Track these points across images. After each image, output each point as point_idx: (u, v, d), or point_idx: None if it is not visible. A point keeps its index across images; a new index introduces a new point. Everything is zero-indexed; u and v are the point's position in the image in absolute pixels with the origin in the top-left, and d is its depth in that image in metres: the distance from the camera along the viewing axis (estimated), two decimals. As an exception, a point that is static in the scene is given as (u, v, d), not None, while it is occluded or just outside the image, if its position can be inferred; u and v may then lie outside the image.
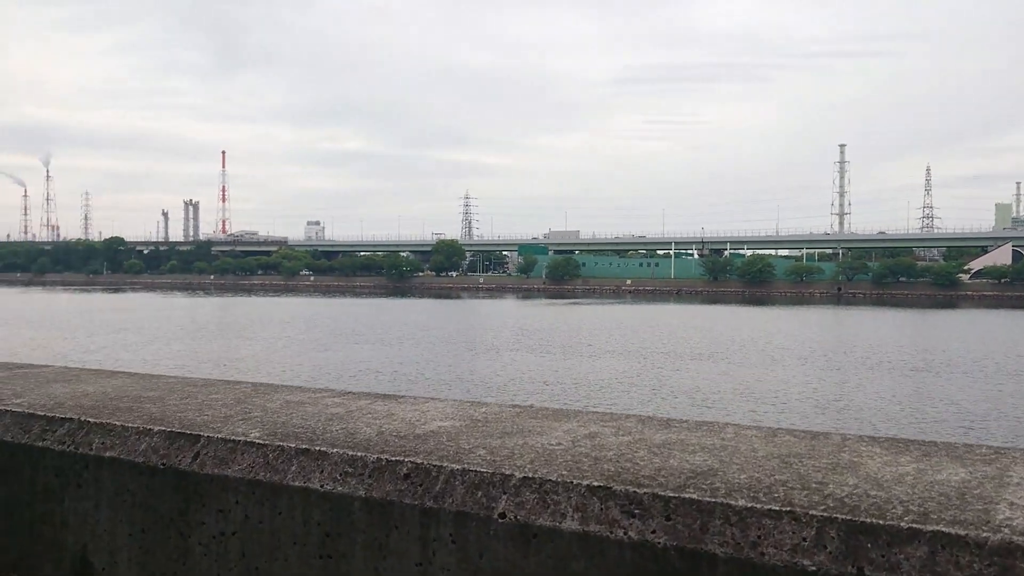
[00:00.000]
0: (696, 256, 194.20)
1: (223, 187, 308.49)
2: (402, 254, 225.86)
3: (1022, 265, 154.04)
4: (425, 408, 2.60)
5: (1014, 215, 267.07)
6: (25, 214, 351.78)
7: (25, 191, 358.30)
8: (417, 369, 38.12)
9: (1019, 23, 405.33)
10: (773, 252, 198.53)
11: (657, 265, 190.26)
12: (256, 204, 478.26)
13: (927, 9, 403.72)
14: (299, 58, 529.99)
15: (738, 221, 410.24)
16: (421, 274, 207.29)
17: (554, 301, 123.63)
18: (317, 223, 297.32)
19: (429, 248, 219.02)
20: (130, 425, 2.33)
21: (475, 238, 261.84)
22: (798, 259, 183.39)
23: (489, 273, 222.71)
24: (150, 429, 2.31)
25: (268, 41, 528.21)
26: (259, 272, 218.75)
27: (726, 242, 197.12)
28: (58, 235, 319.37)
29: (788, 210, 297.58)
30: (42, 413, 2.44)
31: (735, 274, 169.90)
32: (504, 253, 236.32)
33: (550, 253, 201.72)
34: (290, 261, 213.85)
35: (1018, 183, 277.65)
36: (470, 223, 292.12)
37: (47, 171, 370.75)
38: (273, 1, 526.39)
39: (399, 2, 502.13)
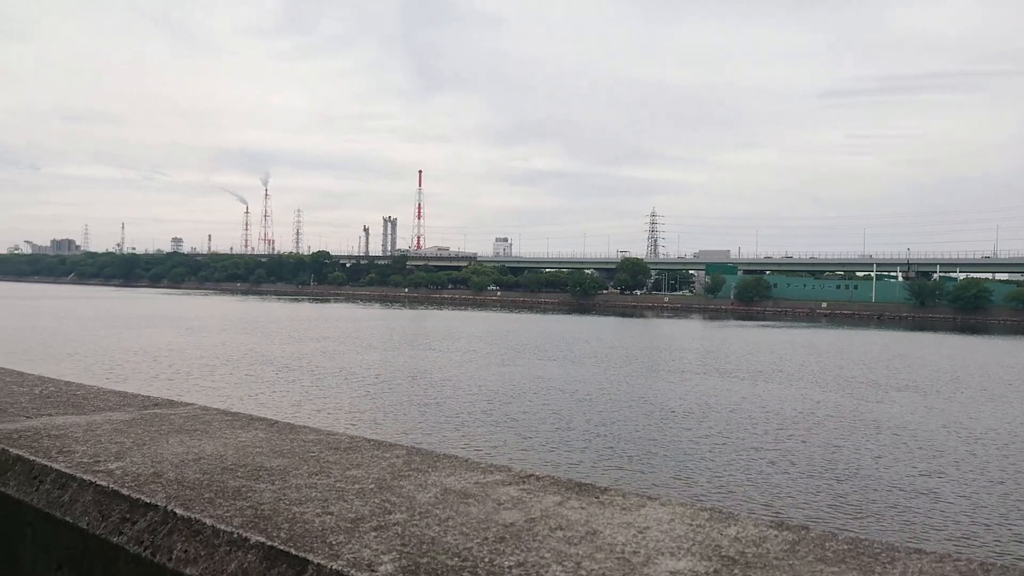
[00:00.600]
0: (901, 279, 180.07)
1: (419, 205, 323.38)
2: (587, 271, 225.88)
3: None
4: (642, 522, 1.66)
5: None
6: (246, 229, 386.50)
7: (247, 208, 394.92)
8: (600, 389, 37.28)
9: None
10: (990, 276, 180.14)
11: (856, 288, 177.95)
12: (448, 221, 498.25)
13: None
14: (492, 79, 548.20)
15: (948, 242, 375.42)
16: (605, 291, 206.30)
17: (743, 324, 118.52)
18: (505, 239, 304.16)
19: (614, 265, 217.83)
20: (223, 529, 1.61)
21: (660, 256, 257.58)
22: (1020, 283, 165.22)
23: (674, 292, 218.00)
24: (247, 540, 1.58)
25: (463, 63, 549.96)
26: (449, 286, 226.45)
27: (935, 264, 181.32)
28: (273, 248, 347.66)
29: (1008, 230, 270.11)
30: (127, 492, 1.77)
31: (945, 299, 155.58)
32: (690, 272, 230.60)
33: (739, 272, 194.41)
34: (478, 276, 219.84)
35: None
36: (656, 241, 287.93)
37: (266, 190, 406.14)
38: (466, 22, 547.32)
39: (589, 21, 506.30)
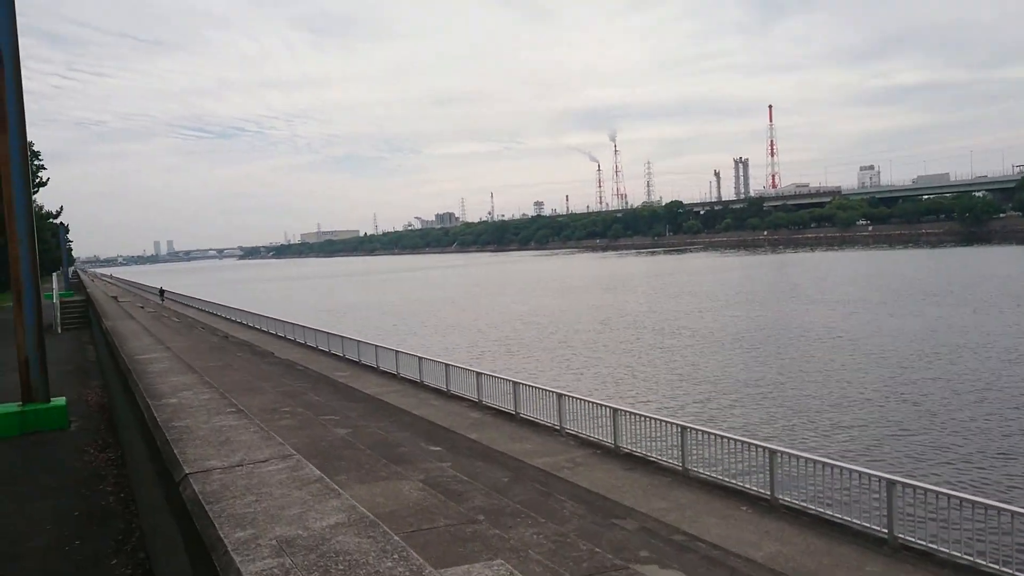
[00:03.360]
0: None
1: (771, 141, 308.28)
2: (976, 194, 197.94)
3: None
4: None
5: None
6: (599, 186, 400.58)
7: (598, 166, 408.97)
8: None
9: None
10: None
11: None
12: (806, 155, 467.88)
13: None
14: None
15: None
16: (1003, 216, 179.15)
17: None
18: (871, 167, 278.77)
19: (1012, 184, 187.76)
20: None
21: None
22: None
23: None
24: None
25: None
26: (812, 225, 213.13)
27: None
28: (626, 203, 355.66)
29: None
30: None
31: None
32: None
33: None
34: (845, 211, 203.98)
35: None
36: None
37: (614, 145, 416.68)
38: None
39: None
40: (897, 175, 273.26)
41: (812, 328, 40.59)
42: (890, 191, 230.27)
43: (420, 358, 24.21)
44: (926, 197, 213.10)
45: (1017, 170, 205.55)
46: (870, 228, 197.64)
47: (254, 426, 4.85)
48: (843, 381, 27.23)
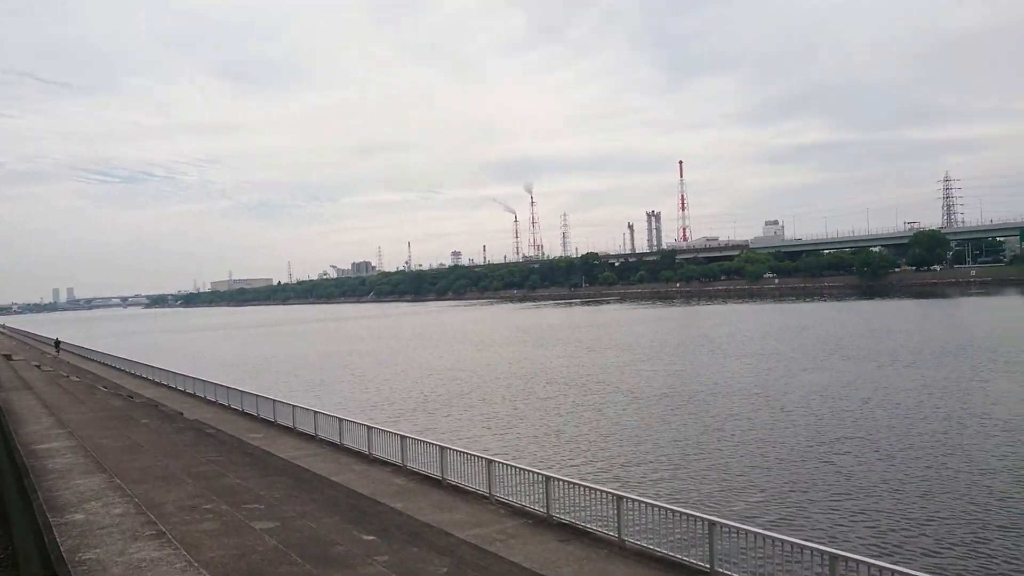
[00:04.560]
0: None
1: (682, 196, 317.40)
2: (873, 249, 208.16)
3: None
4: None
5: None
6: (516, 237, 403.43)
7: (515, 217, 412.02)
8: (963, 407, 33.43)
9: None
10: None
11: None
12: (715, 209, 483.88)
13: None
14: (746, 58, 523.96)
15: None
16: (897, 270, 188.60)
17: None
18: (775, 222, 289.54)
19: (905, 240, 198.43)
20: None
21: (959, 225, 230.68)
22: None
23: (981, 264, 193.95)
24: None
25: (714, 47, 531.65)
26: (722, 277, 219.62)
27: None
28: (542, 253, 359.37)
29: None
30: None
31: None
32: (999, 240, 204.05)
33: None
34: (752, 265, 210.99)
35: None
36: (950, 208, 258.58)
37: (531, 197, 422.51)
38: (716, 5, 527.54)
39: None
40: (800, 230, 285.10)
41: (729, 383, 41.24)
42: (793, 245, 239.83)
43: (340, 419, 23.34)
44: (828, 251, 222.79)
45: (909, 227, 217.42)
46: (776, 281, 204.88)
47: (178, 557, 4.27)
48: (767, 441, 27.54)
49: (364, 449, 21.27)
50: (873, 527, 17.91)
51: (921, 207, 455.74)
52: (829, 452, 25.13)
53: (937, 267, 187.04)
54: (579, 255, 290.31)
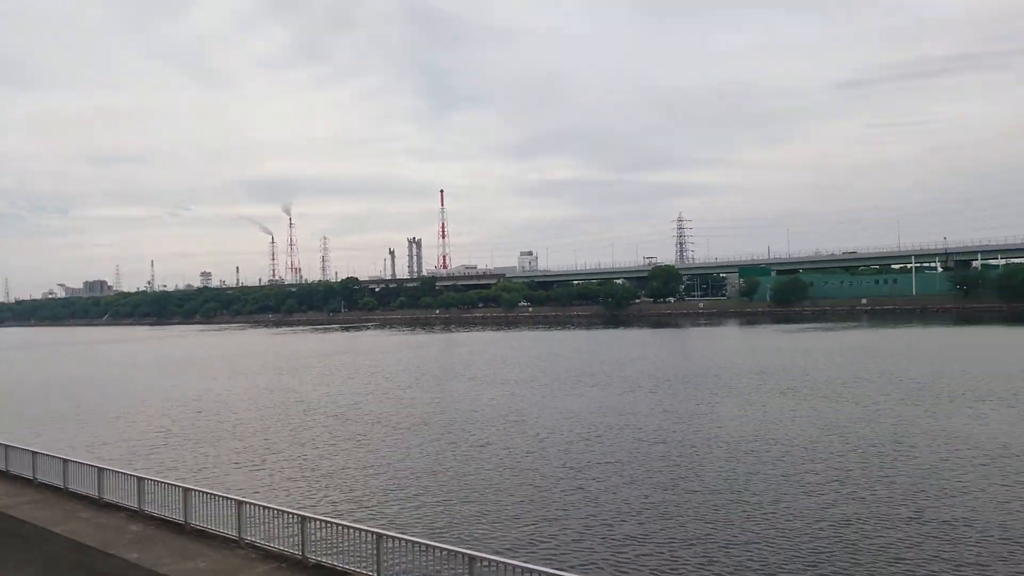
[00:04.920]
0: (940, 269, 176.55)
1: (442, 224, 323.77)
2: (617, 281, 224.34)
3: None
4: None
5: None
6: (272, 259, 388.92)
7: (272, 238, 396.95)
8: (666, 426, 36.20)
9: None
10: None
11: (895, 281, 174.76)
12: (473, 238, 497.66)
13: None
14: (507, 94, 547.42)
15: (986, 228, 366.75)
16: (638, 301, 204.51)
17: (785, 328, 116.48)
18: (530, 253, 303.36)
19: (645, 274, 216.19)
20: None
21: (690, 261, 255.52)
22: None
23: (708, 297, 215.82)
24: None
25: (477, 80, 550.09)
26: (480, 304, 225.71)
27: (975, 252, 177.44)
28: (300, 277, 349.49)
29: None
30: None
31: (991, 288, 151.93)
32: (722, 276, 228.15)
33: (773, 273, 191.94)
34: (509, 293, 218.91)
35: None
36: (683, 245, 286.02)
37: (289, 219, 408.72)
38: (477, 40, 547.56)
39: (602, 29, 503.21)
40: (553, 262, 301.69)
41: (487, 410, 42.09)
42: (546, 276, 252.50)
43: (65, 460, 20.78)
44: (577, 282, 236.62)
45: (648, 261, 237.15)
46: (530, 309, 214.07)
47: None
48: (524, 469, 28.26)
49: (94, 492, 19.08)
50: (620, 553, 18.86)
51: (659, 244, 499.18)
52: (581, 477, 26.28)
53: (671, 299, 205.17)
54: (339, 279, 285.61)
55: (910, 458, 27.32)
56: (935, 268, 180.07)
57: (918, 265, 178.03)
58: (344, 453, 32.10)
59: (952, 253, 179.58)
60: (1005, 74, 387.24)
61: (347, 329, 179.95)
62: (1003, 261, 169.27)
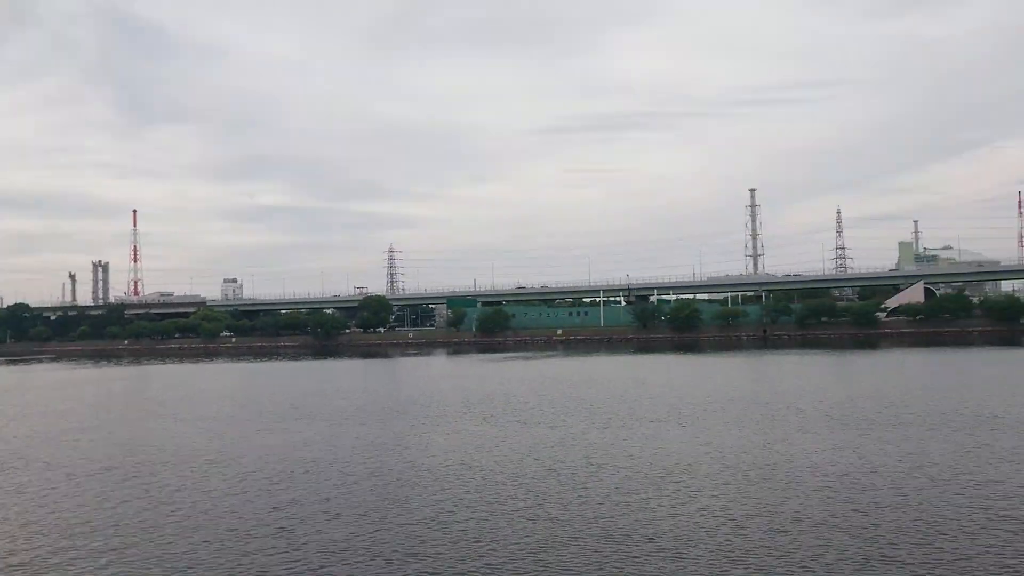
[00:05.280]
0: (623, 303, 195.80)
1: (134, 246, 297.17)
2: (327, 311, 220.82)
3: (935, 302, 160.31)
4: None
5: (916, 251, 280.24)
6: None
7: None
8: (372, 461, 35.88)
9: (922, 71, 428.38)
10: (693, 296, 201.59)
11: (586, 314, 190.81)
12: (171, 263, 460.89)
13: (836, 59, 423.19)
14: (212, 113, 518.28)
15: (663, 267, 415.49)
16: (348, 331, 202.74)
17: (489, 357, 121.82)
18: (234, 280, 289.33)
19: (355, 304, 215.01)
20: None
21: (400, 292, 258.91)
22: (721, 302, 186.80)
23: (417, 328, 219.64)
24: None
25: (179, 97, 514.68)
26: (177, 335, 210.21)
27: (652, 288, 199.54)
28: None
29: (710, 254, 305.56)
30: None
31: (664, 320, 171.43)
32: (431, 306, 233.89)
33: (479, 305, 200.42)
34: (210, 323, 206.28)
35: (915, 221, 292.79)
36: (394, 276, 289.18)
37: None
38: (181, 54, 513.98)
39: (315, 53, 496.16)
40: (260, 289, 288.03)
41: (182, 450, 38.85)
42: (252, 304, 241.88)
43: None
44: (285, 311, 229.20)
45: (358, 291, 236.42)
46: (234, 339, 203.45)
47: None
48: (222, 513, 26.33)
49: None
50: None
51: (370, 274, 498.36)
52: (284, 518, 25.02)
53: (382, 329, 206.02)
54: (5, 306, 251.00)
55: (599, 479, 29.45)
56: (619, 302, 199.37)
57: (606, 299, 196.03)
58: (6, 507, 27.74)
59: (633, 289, 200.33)
60: (673, 133, 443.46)
61: (13, 363, 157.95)
62: (674, 297, 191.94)
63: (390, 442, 39.48)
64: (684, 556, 20.02)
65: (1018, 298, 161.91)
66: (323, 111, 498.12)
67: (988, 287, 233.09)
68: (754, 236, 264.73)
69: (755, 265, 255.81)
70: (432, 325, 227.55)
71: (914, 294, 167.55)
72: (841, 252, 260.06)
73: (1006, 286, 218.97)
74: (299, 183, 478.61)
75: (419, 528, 23.32)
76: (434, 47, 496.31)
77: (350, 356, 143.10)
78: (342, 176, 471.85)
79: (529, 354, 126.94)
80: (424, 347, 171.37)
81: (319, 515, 25.22)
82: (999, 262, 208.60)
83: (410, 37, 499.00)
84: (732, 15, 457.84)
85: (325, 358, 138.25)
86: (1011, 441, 34.18)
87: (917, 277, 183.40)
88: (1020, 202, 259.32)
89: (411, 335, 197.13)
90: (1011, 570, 18.25)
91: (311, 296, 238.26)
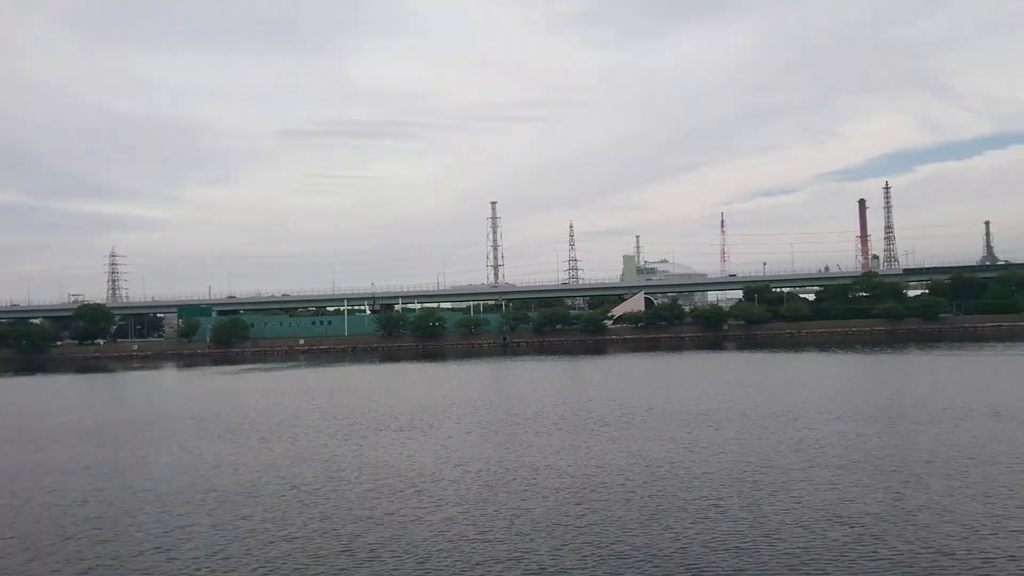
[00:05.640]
0: (369, 312, 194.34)
1: None
2: (34, 321, 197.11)
3: (653, 311, 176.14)
4: None
5: (638, 264, 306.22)
6: None
7: None
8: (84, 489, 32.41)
9: (646, 98, 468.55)
10: (437, 305, 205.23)
11: (330, 323, 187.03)
12: None
13: (574, 82, 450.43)
14: None
15: (409, 276, 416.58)
16: (60, 343, 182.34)
17: (225, 369, 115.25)
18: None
19: (69, 313, 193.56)
20: None
21: (124, 300, 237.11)
22: (464, 311, 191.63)
23: (144, 339, 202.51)
24: None
25: None
26: None
27: (396, 296, 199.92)
28: None
29: (454, 263, 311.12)
30: None
31: (409, 329, 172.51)
32: (160, 316, 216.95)
33: (214, 314, 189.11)
34: None
35: (637, 236, 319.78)
36: (116, 283, 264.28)
37: None
38: None
39: (34, 41, 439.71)
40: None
41: None
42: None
43: None
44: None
45: (73, 299, 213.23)
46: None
47: None
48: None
49: None
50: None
51: (88, 280, 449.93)
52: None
53: (101, 341, 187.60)
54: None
55: (340, 493, 28.73)
56: (364, 311, 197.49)
57: (350, 308, 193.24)
58: None
59: (378, 297, 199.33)
60: (419, 143, 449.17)
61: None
62: (419, 305, 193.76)
63: (107, 465, 35.84)
64: (427, 568, 20.01)
65: (721, 307, 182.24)
66: (42, 102, 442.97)
67: (697, 297, 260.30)
68: (495, 247, 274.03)
69: (496, 275, 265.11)
70: (161, 336, 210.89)
71: (636, 303, 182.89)
72: (574, 264, 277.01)
73: (712, 296, 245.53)
74: (3, 178, 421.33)
75: (140, 559, 21.27)
76: (174, 41, 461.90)
77: (64, 371, 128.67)
78: (59, 172, 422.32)
79: (269, 365, 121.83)
80: (151, 360, 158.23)
81: (16, 553, 22.17)
82: (706, 275, 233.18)
83: (136, 28, 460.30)
84: (479, 33, 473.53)
85: (32, 374, 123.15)
86: (727, 434, 38.16)
87: (638, 288, 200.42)
88: (722, 222, 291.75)
89: (135, 347, 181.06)
90: (716, 542, 20.25)
91: (15, 304, 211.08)
